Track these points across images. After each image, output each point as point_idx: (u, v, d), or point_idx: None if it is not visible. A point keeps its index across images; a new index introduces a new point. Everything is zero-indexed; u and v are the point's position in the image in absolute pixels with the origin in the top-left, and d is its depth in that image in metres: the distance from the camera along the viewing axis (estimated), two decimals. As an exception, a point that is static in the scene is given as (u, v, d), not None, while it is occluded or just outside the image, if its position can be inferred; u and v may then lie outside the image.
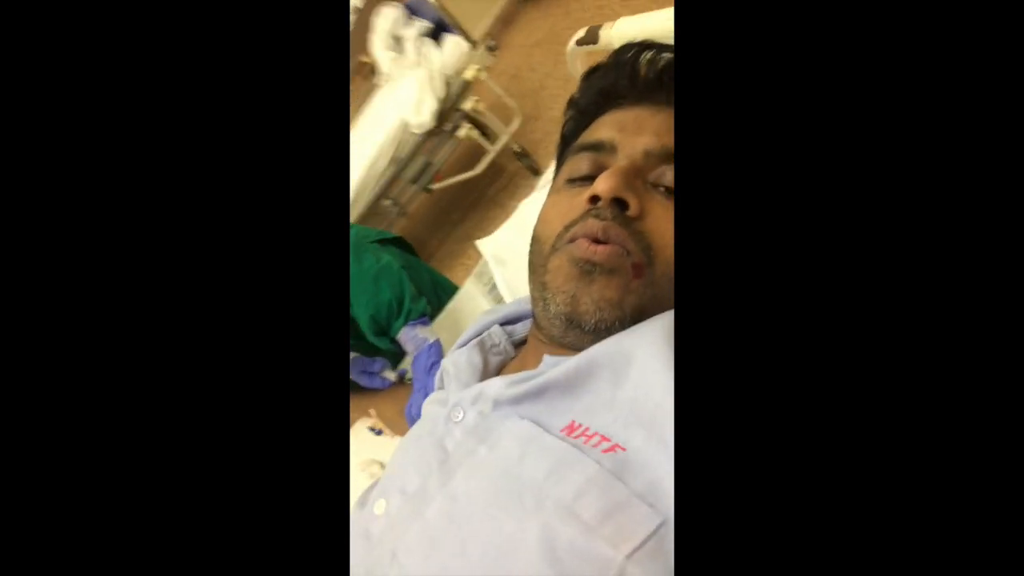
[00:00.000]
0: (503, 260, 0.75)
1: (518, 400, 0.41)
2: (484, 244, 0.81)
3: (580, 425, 0.37)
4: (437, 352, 0.72)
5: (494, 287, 0.82)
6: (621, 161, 0.43)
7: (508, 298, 0.73)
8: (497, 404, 0.41)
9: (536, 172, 1.77)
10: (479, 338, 0.52)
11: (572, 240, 0.42)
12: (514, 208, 0.84)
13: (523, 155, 1.76)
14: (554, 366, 0.42)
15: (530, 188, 1.79)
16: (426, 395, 0.69)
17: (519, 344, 0.55)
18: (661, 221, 0.41)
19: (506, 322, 0.59)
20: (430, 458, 0.41)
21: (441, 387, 0.59)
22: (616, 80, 0.50)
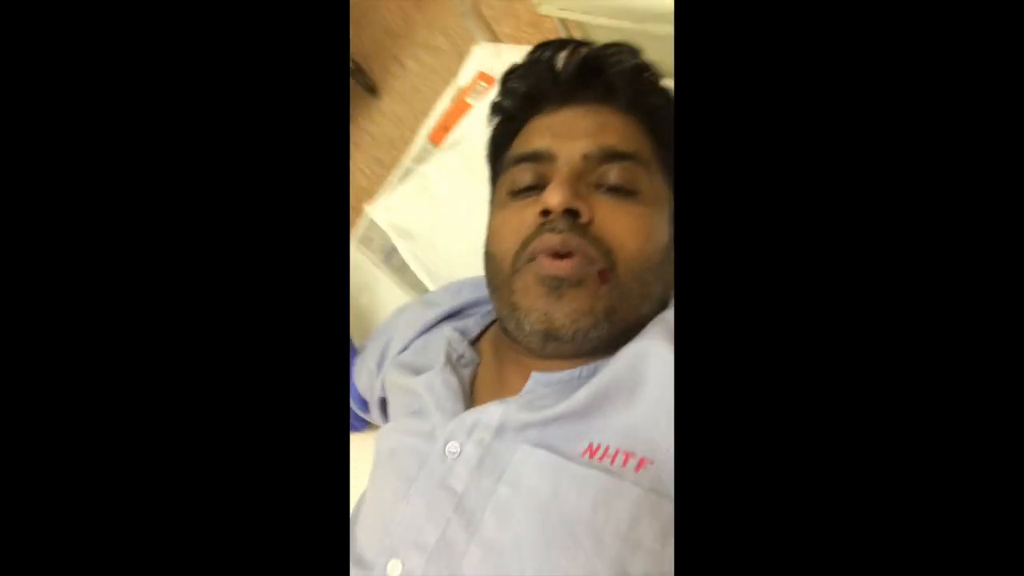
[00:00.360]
0: (409, 233, 0.68)
1: (524, 427, 0.39)
2: (376, 211, 0.72)
3: (599, 446, 0.37)
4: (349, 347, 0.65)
5: (391, 254, 0.74)
6: (562, 168, 0.43)
7: (423, 275, 0.67)
8: (499, 433, 0.40)
9: (372, 91, 1.58)
10: (446, 354, 0.48)
11: (532, 258, 0.42)
12: (393, 161, 0.75)
13: (356, 71, 1.56)
14: (550, 386, 0.42)
15: (368, 110, 1.61)
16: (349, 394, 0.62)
17: (473, 342, 0.52)
18: (611, 221, 0.42)
19: (448, 316, 0.55)
20: (440, 503, 0.38)
21: (385, 406, 0.54)
22: (538, 82, 0.49)
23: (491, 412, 0.41)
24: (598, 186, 0.43)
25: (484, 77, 0.75)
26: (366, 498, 0.48)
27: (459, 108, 0.75)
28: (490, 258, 0.47)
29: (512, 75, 0.52)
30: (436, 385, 0.45)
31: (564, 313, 0.40)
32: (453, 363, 0.47)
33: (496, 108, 0.54)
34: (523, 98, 0.50)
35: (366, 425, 0.66)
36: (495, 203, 0.50)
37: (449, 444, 0.41)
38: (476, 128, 0.67)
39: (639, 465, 0.36)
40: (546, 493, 0.36)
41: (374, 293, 0.75)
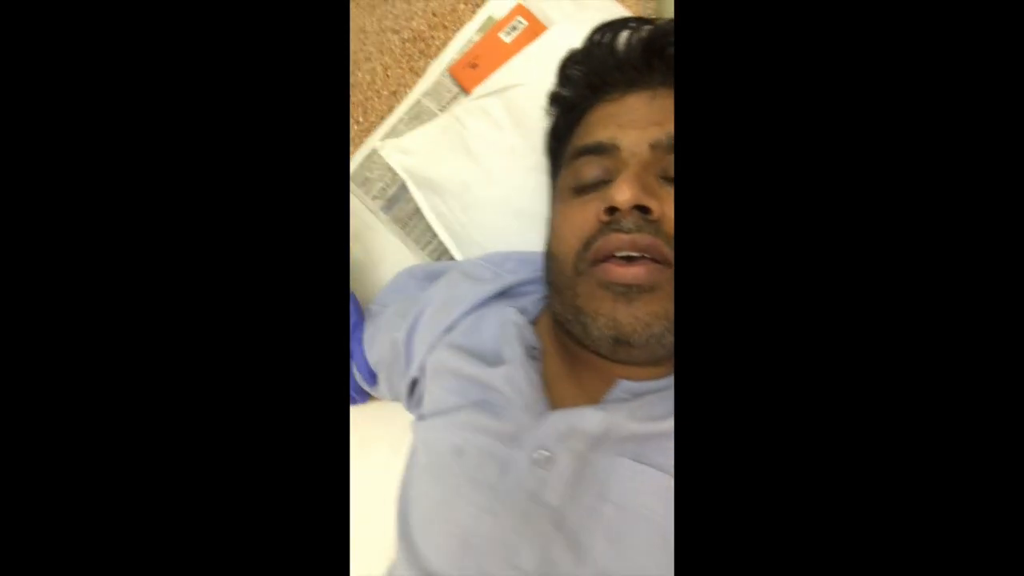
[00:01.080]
0: (435, 187, 0.59)
1: (626, 440, 0.38)
2: (391, 152, 0.62)
3: None
4: (356, 310, 0.56)
5: (395, 202, 0.65)
6: (629, 161, 0.41)
7: (446, 237, 0.59)
8: (597, 442, 0.37)
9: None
10: (521, 343, 0.44)
11: (597, 260, 0.39)
12: (428, 110, 0.65)
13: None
14: (640, 395, 0.40)
15: None
16: (354, 364, 0.54)
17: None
18: None
19: (499, 294, 0.49)
20: (536, 520, 0.36)
21: (416, 391, 0.48)
22: (599, 69, 0.46)
23: (590, 418, 0.38)
24: (665, 177, 0.40)
25: (523, 12, 0.65)
26: (425, 500, 0.42)
27: (492, 46, 0.65)
28: (551, 258, 0.44)
29: (570, 62, 0.49)
30: (519, 380, 0.41)
31: (635, 317, 0.37)
32: (530, 354, 0.43)
33: (555, 98, 0.50)
34: (584, 86, 0.47)
35: (367, 398, 0.59)
36: (556, 199, 0.46)
37: (538, 452, 0.37)
38: (526, 76, 0.59)
39: None
40: (662, 516, 0.34)
41: (367, 244, 0.66)
